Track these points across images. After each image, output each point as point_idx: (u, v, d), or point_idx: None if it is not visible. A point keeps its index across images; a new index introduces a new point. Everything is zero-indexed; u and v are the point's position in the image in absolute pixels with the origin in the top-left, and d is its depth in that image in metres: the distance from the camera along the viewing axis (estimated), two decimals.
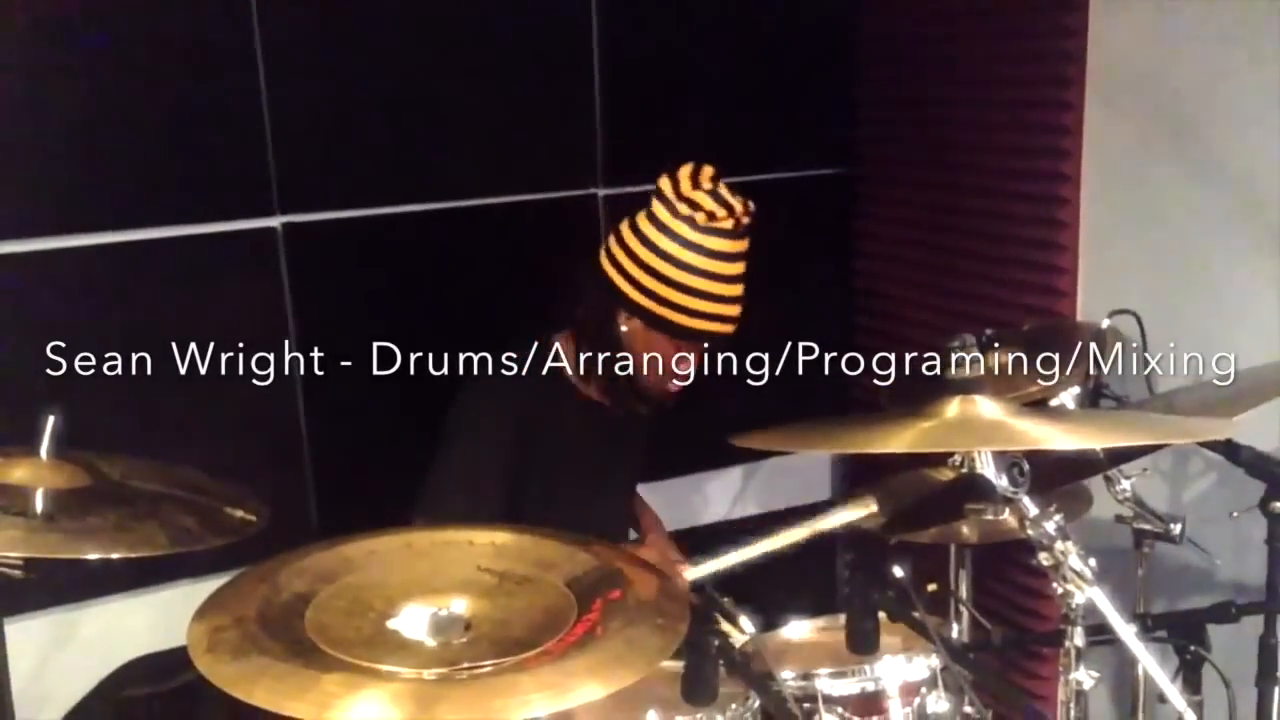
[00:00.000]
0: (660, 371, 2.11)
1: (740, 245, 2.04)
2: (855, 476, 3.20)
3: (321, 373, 2.53)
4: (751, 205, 2.05)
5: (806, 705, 1.75)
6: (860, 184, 3.11)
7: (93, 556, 1.51)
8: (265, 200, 2.44)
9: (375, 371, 2.58)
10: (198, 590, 1.44)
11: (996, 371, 2.26)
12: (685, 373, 2.12)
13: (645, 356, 2.10)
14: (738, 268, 2.05)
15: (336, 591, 1.44)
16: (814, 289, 3.14)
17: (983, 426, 1.50)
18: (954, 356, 1.55)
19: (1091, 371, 2.05)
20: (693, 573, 2.10)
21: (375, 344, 2.58)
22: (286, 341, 2.50)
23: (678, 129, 2.81)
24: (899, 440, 1.48)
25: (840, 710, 1.76)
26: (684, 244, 2.01)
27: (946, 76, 2.77)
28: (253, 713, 1.25)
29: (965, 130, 2.72)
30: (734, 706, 1.68)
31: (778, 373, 3.02)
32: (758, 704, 1.69)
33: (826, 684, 1.76)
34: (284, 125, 2.42)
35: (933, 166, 2.85)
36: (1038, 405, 1.99)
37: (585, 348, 2.14)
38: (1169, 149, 2.31)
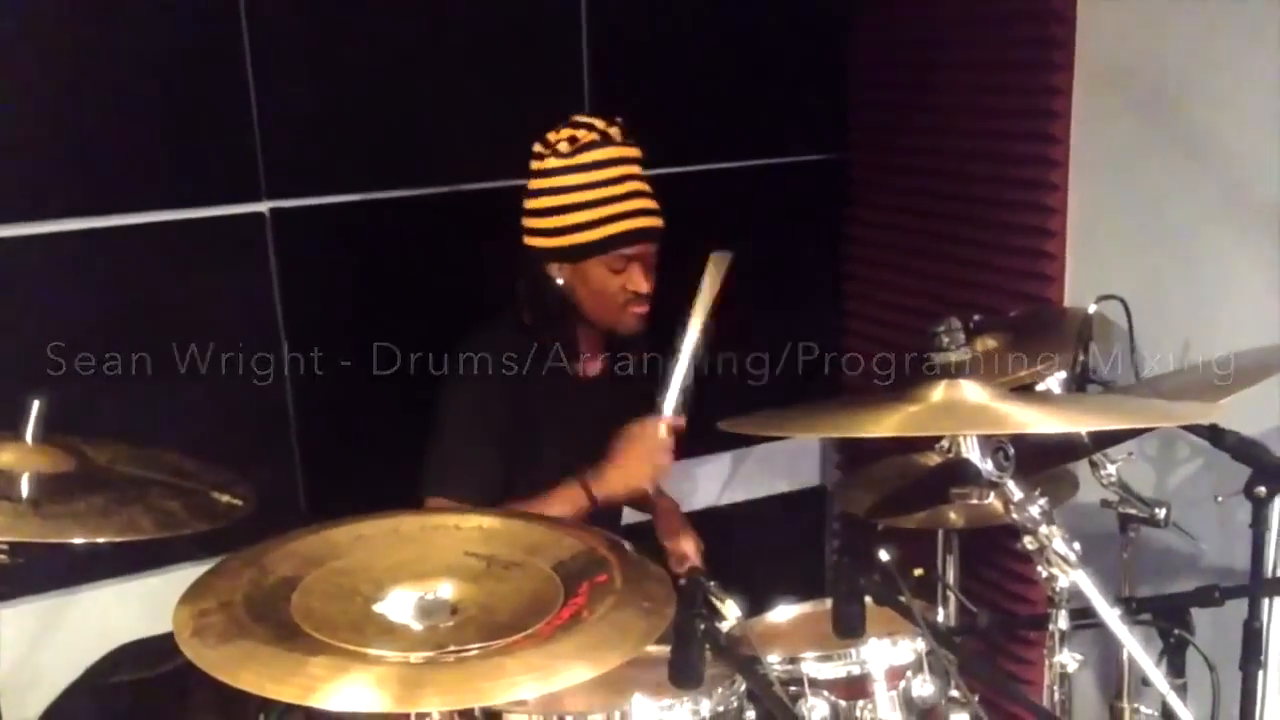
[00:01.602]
0: (618, 300, 2.13)
1: (619, 151, 2.10)
2: (844, 462, 3.22)
3: (309, 358, 2.53)
4: (618, 119, 2.12)
5: (793, 688, 1.75)
6: (850, 170, 3.11)
7: (78, 541, 1.51)
8: (252, 185, 2.43)
9: (363, 357, 2.58)
10: (186, 576, 1.44)
11: (984, 356, 2.28)
12: (640, 289, 2.13)
13: (594, 293, 2.13)
14: (625, 170, 2.10)
15: (323, 576, 1.45)
16: (804, 275, 3.14)
17: (968, 411, 1.50)
18: (940, 341, 1.55)
19: (1078, 356, 2.05)
20: (668, 407, 2.10)
21: (363, 330, 2.58)
22: (274, 327, 2.49)
23: (667, 114, 2.80)
24: (885, 424, 1.49)
25: (826, 693, 1.76)
26: (561, 172, 2.08)
27: (936, 63, 2.76)
28: (240, 697, 1.25)
29: (955, 116, 2.72)
30: (720, 690, 1.68)
31: (767, 358, 3.03)
32: (744, 687, 1.70)
33: (812, 667, 1.77)
34: (271, 108, 2.41)
35: (923, 153, 2.85)
36: (1024, 390, 1.99)
37: (529, 318, 2.17)
38: (1157, 135, 2.31)
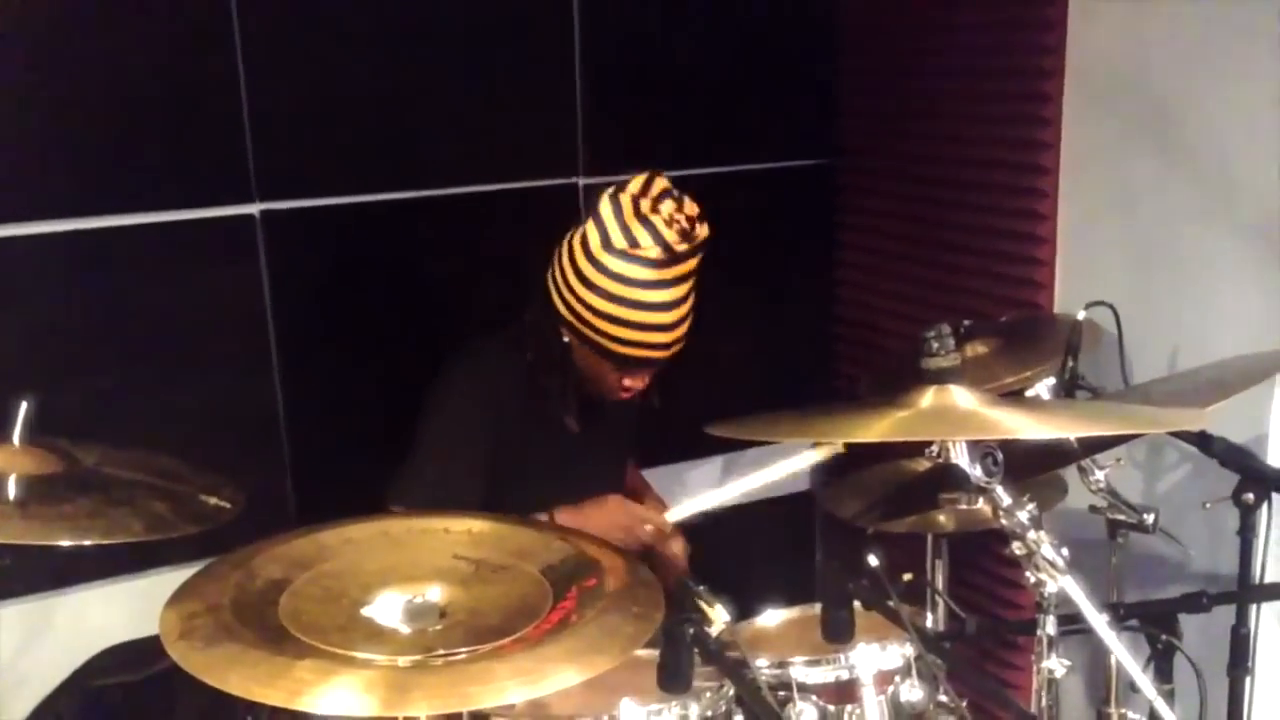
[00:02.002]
0: (608, 385, 2.11)
1: (675, 271, 1.98)
2: (834, 466, 3.21)
3: (300, 361, 2.53)
4: (696, 222, 1.98)
5: (781, 693, 1.75)
6: (841, 175, 3.11)
7: (65, 543, 1.50)
8: (243, 187, 2.43)
9: (354, 360, 2.58)
10: (175, 578, 1.44)
11: (974, 362, 2.28)
12: (634, 386, 2.11)
13: (592, 371, 2.10)
14: (675, 293, 1.99)
15: (311, 579, 1.45)
16: (795, 280, 3.15)
17: (957, 416, 1.50)
18: (930, 346, 1.55)
19: (1067, 363, 2.06)
20: (674, 513, 2.12)
21: (354, 333, 2.58)
22: (265, 330, 2.49)
23: (659, 118, 2.80)
24: (873, 430, 1.49)
25: (814, 698, 1.76)
26: (607, 273, 1.97)
27: (927, 69, 2.77)
28: (227, 700, 1.25)
29: (945, 122, 2.73)
30: (709, 695, 1.69)
31: (759, 363, 3.03)
32: (733, 692, 1.70)
33: (801, 672, 1.77)
34: (263, 109, 2.40)
35: (913, 158, 2.85)
36: (1013, 396, 2.00)
37: (529, 354, 2.13)
38: (1146, 142, 2.32)
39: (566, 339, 2.08)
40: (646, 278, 1.97)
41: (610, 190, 2.00)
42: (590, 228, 2.00)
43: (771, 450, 3.13)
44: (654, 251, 1.95)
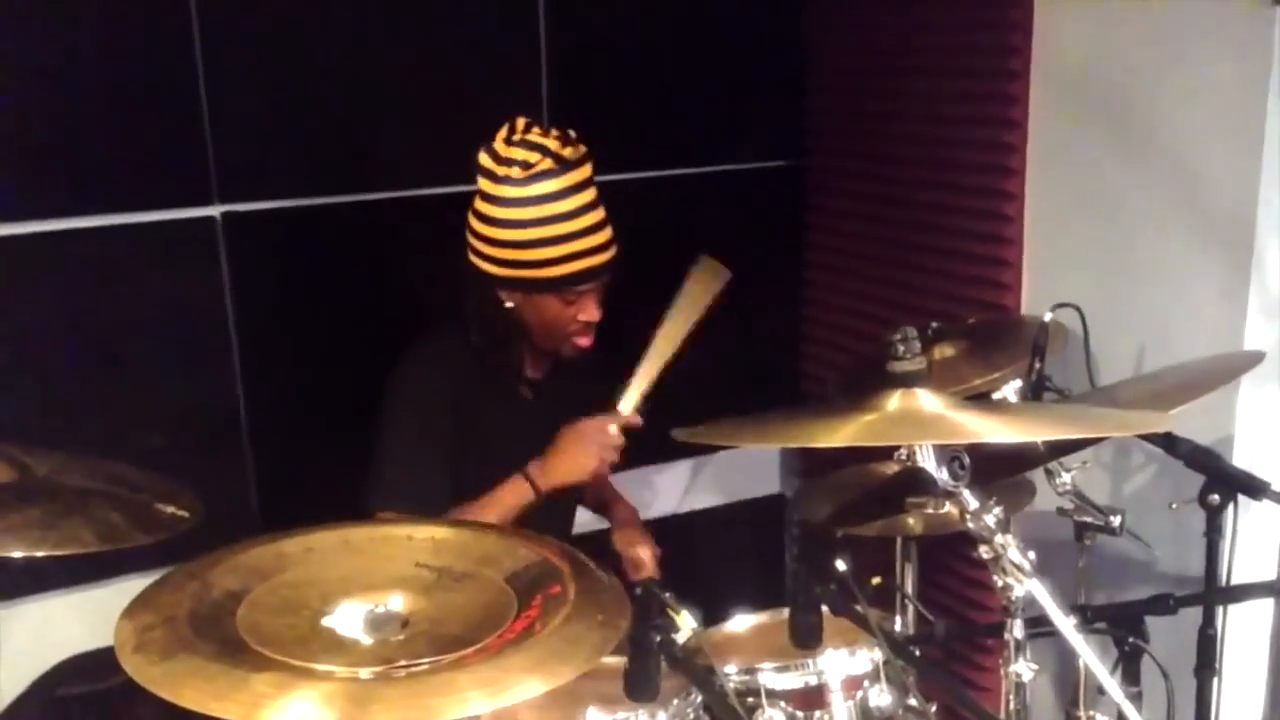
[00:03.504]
0: (567, 329, 2.10)
1: (575, 176, 2.00)
2: (804, 470, 3.21)
3: (263, 365, 2.50)
4: (570, 134, 2.03)
5: (750, 699, 1.74)
6: (808, 176, 3.11)
7: (16, 554, 1.47)
8: (203, 188, 2.40)
9: (317, 363, 2.55)
10: (136, 587, 1.41)
11: (941, 364, 2.28)
12: (592, 319, 2.10)
13: (544, 321, 2.10)
14: (581, 199, 2.01)
15: (270, 589, 1.42)
16: (762, 282, 3.13)
17: (923, 420, 1.50)
18: (896, 349, 1.54)
19: (1034, 365, 2.06)
20: (625, 402, 2.12)
21: (317, 336, 2.55)
22: (226, 333, 2.46)
23: (625, 120, 2.79)
24: (839, 434, 1.48)
25: (783, 704, 1.75)
26: (515, 204, 1.99)
27: (894, 70, 2.77)
28: (189, 713, 1.22)
29: (912, 123, 2.73)
30: (676, 702, 1.67)
31: (726, 366, 3.02)
32: (701, 699, 1.69)
33: (770, 678, 1.76)
34: (222, 109, 2.38)
35: (880, 160, 2.85)
36: (979, 398, 1.99)
37: (476, 338, 2.13)
38: (1112, 143, 2.33)
39: (509, 304, 2.08)
40: (551, 189, 1.98)
41: (483, 145, 2.03)
42: (481, 180, 2.03)
43: (740, 460, 3.15)
44: (547, 164, 1.98)
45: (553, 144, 1.99)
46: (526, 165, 1.97)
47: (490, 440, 2.13)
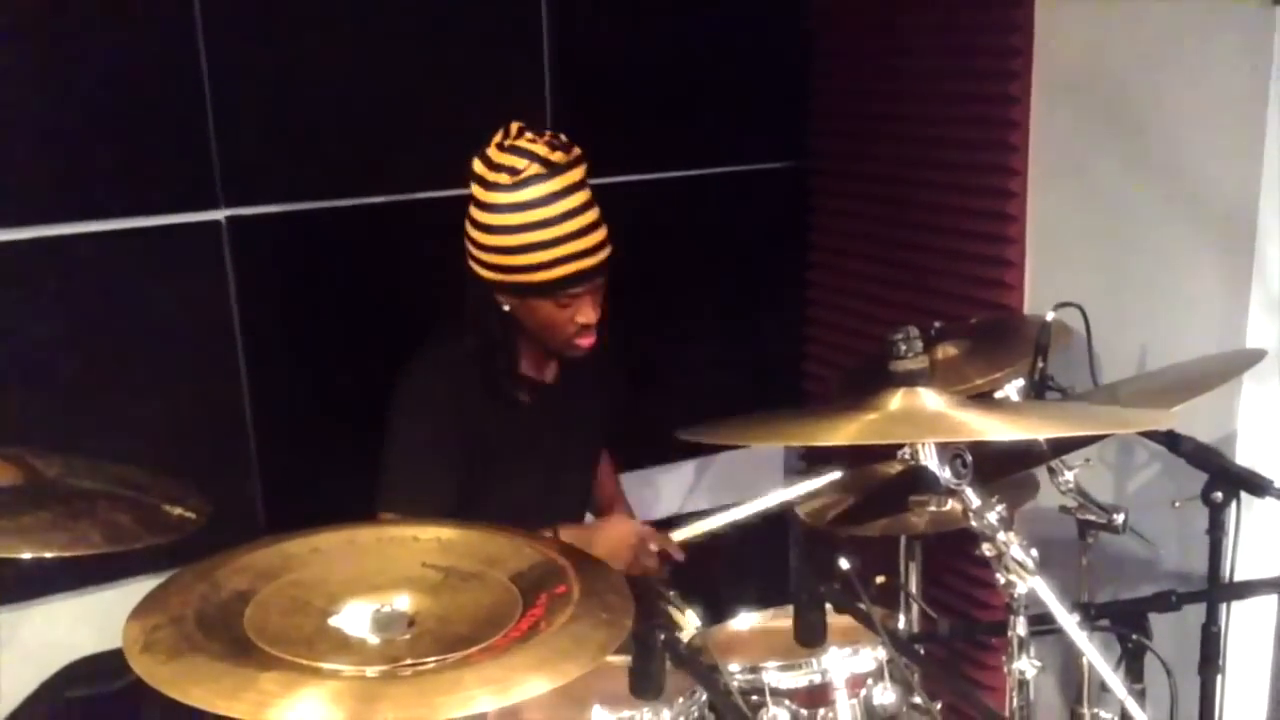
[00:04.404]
0: (566, 332, 2.10)
1: (563, 181, 2.00)
2: (807, 470, 3.21)
3: (269, 369, 2.51)
4: (562, 138, 2.03)
5: (754, 698, 1.75)
6: (812, 178, 3.12)
7: (26, 556, 1.48)
8: (208, 192, 2.40)
9: (323, 367, 2.56)
10: (143, 590, 1.42)
11: (944, 364, 2.28)
12: (589, 321, 2.10)
13: (541, 325, 2.10)
14: (570, 202, 2.01)
15: (277, 589, 1.43)
16: (765, 283, 3.15)
17: (925, 418, 1.50)
18: (898, 349, 1.55)
19: (1037, 363, 2.06)
20: (680, 534, 2.17)
21: (322, 339, 2.56)
22: (232, 337, 2.47)
23: (629, 122, 2.80)
24: (842, 433, 1.48)
25: (788, 702, 1.76)
26: (505, 209, 2.00)
27: (897, 71, 2.78)
28: (194, 714, 1.23)
29: (914, 124, 2.74)
30: (681, 700, 1.68)
31: (730, 366, 3.03)
32: (705, 697, 1.69)
33: (774, 676, 1.77)
34: (228, 113, 2.38)
35: (883, 160, 2.86)
36: (982, 397, 2.00)
37: (474, 343, 2.13)
38: (1114, 143, 2.33)
39: (506, 307, 2.09)
40: (540, 194, 1.99)
41: (477, 152, 2.04)
42: (474, 188, 2.04)
43: (744, 462, 3.15)
44: (535, 168, 1.98)
45: (542, 149, 2.00)
46: (515, 171, 1.99)
47: (493, 446, 2.14)
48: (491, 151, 2.03)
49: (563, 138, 2.05)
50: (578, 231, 2.02)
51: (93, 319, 2.34)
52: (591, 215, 2.05)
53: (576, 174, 2.03)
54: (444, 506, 2.03)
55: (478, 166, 2.03)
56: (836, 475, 2.13)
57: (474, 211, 2.05)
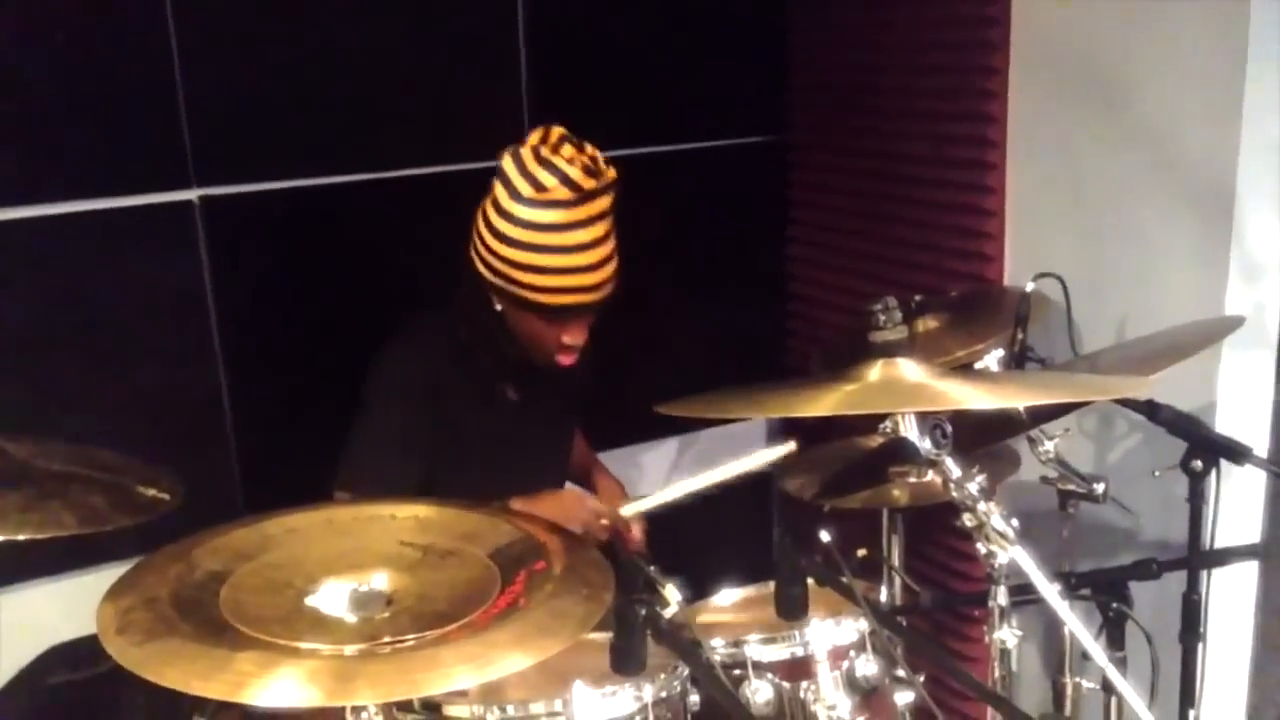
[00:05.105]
0: (549, 347, 2.08)
1: (587, 210, 1.94)
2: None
3: (244, 349, 2.49)
4: (600, 161, 1.96)
5: (736, 671, 1.75)
6: (791, 152, 3.11)
7: None
8: (180, 172, 2.37)
9: (299, 347, 2.54)
10: (120, 574, 1.41)
11: (925, 336, 2.28)
12: (576, 342, 2.07)
13: (527, 335, 2.07)
14: (588, 234, 1.95)
15: (253, 569, 1.42)
16: (746, 257, 3.14)
17: (904, 389, 1.50)
18: (877, 320, 1.55)
19: (1016, 334, 2.06)
20: (629, 508, 2.13)
21: (298, 319, 2.54)
22: (206, 318, 2.44)
23: (607, 97, 2.78)
24: (821, 404, 1.48)
25: (770, 675, 1.76)
26: (521, 224, 1.94)
27: (875, 44, 2.76)
28: (173, 697, 1.22)
29: (893, 97, 2.73)
30: (663, 676, 1.68)
31: (711, 341, 3.02)
32: (687, 672, 1.69)
33: (756, 650, 1.77)
34: (199, 90, 2.35)
35: (862, 134, 2.85)
36: (962, 368, 2.00)
37: (463, 332, 2.11)
38: (1092, 114, 2.33)
39: (499, 307, 2.06)
40: (559, 220, 1.93)
41: (510, 148, 1.98)
42: (497, 186, 1.98)
43: (727, 438, 3.15)
44: (562, 192, 1.92)
45: (575, 172, 1.92)
46: (541, 188, 1.92)
47: (467, 434, 2.12)
48: (525, 154, 1.95)
49: (601, 161, 1.97)
50: (588, 266, 1.97)
51: (66, 301, 2.31)
52: (606, 249, 1.99)
53: (603, 203, 1.96)
54: (402, 488, 1.99)
55: (506, 165, 1.96)
56: (791, 447, 2.11)
57: (489, 210, 1.99)
